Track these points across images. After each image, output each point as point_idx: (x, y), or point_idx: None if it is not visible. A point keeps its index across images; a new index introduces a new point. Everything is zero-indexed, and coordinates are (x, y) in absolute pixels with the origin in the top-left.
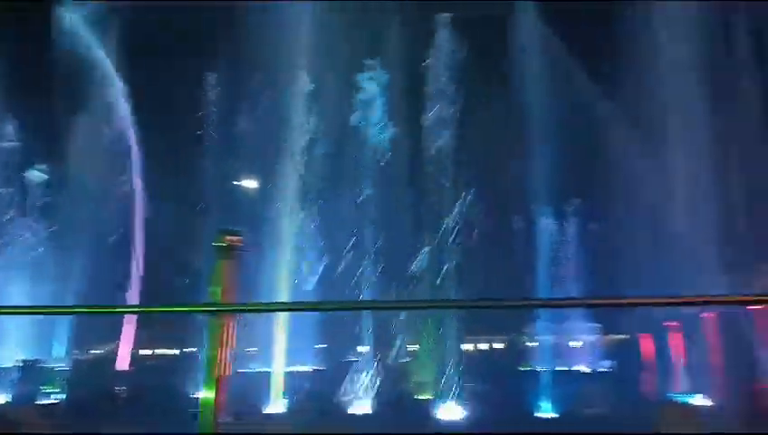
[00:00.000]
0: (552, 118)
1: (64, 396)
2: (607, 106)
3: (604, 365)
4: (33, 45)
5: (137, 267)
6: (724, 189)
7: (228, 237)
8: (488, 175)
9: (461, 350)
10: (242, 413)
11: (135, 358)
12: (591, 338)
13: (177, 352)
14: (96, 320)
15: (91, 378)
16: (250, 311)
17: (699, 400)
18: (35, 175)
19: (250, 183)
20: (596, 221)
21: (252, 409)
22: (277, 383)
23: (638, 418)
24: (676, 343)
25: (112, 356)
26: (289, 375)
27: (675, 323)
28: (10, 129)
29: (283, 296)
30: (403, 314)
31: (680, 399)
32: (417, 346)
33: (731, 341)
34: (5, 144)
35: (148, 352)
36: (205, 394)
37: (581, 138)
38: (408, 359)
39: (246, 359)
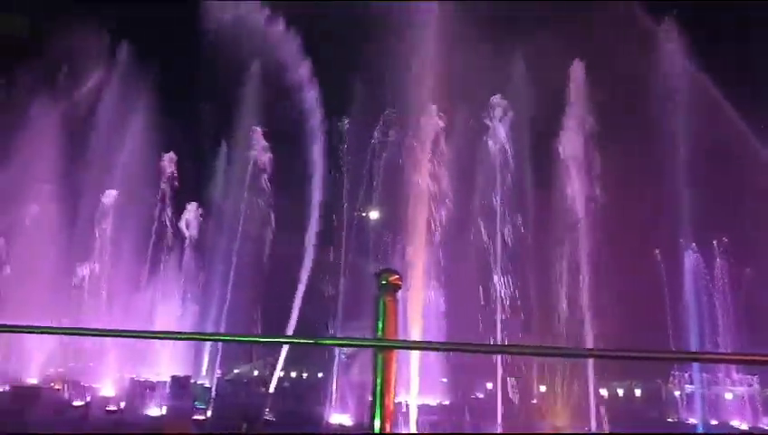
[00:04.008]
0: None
1: (210, 413)
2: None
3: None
4: None
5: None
6: None
7: (391, 277)
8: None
9: (599, 394)
10: None
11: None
12: (747, 390)
13: (305, 375)
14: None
15: (236, 397)
16: (413, 348)
17: None
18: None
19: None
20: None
21: None
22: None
23: None
24: None
25: (252, 376)
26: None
27: None
28: None
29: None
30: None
31: None
32: (545, 387)
33: None
34: None
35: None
36: (377, 424)
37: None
38: (535, 401)
39: None
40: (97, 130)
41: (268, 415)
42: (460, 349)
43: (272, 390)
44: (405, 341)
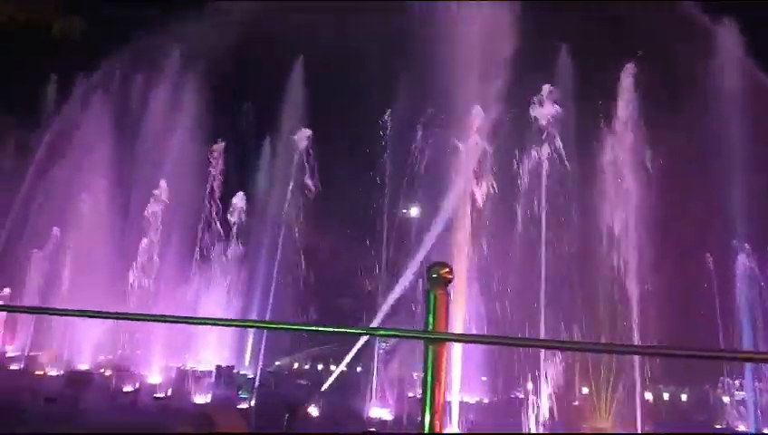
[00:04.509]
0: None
1: (253, 402)
2: None
3: None
4: None
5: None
6: None
7: (441, 270)
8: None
9: (643, 398)
10: None
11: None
12: None
13: (344, 369)
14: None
15: (278, 388)
16: (465, 341)
17: None
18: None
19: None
20: None
21: None
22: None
23: None
24: None
25: (293, 369)
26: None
27: None
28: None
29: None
30: (577, 354)
31: None
32: (587, 389)
33: None
34: None
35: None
36: (426, 421)
37: None
38: (577, 402)
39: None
40: (148, 125)
41: (310, 407)
42: (511, 343)
43: (325, 387)
44: (457, 334)
